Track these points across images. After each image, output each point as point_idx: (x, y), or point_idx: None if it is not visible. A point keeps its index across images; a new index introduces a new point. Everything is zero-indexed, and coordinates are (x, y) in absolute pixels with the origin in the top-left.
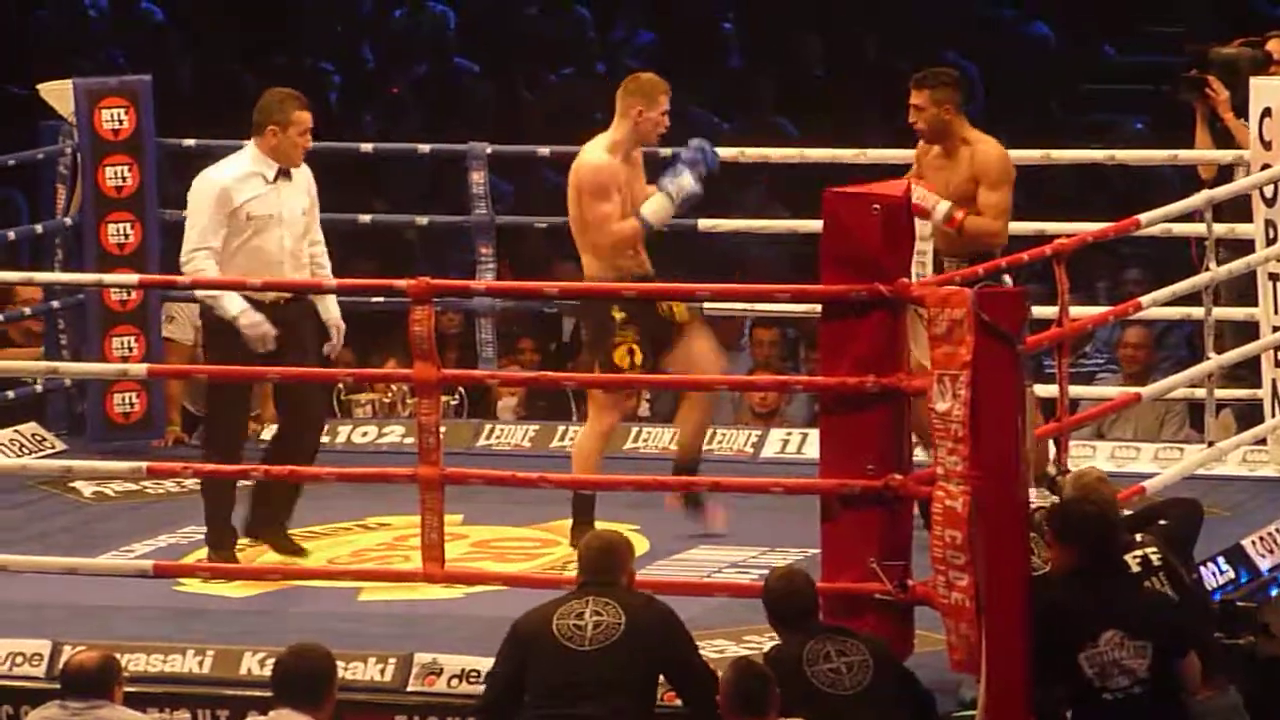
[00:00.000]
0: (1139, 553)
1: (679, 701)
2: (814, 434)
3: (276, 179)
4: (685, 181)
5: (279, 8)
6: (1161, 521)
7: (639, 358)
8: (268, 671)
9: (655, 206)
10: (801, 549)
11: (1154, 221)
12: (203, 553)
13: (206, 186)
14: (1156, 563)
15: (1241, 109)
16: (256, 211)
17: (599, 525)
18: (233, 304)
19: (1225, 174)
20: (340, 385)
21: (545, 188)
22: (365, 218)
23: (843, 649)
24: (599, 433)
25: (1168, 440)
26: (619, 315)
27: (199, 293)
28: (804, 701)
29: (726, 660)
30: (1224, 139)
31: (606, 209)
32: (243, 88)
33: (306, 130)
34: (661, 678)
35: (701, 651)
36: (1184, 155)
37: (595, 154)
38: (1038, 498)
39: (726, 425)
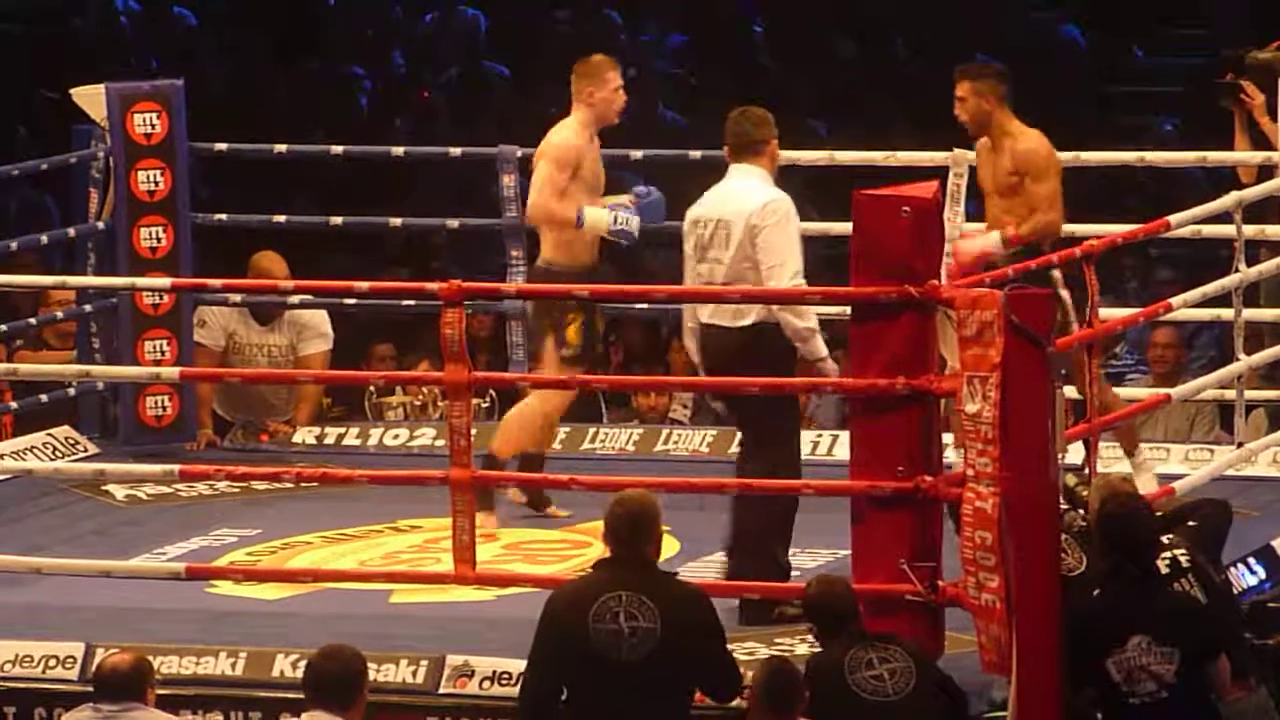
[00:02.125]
0: (1168, 554)
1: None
2: (844, 436)
3: None
4: (634, 224)
5: (310, 12)
6: (1190, 523)
7: (582, 338)
8: (300, 673)
9: (596, 217)
10: (832, 550)
11: (1184, 223)
12: (235, 555)
13: (791, 209)
14: (1185, 564)
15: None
16: None
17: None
18: (822, 346)
19: (1266, 177)
20: (372, 388)
21: None
22: (396, 221)
23: (885, 656)
24: (544, 411)
25: (1198, 441)
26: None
27: (791, 320)
28: (846, 709)
29: (757, 662)
30: (1263, 142)
31: (561, 179)
32: (274, 92)
33: None
34: None
35: (730, 649)
36: (1213, 157)
37: (564, 133)
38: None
39: None
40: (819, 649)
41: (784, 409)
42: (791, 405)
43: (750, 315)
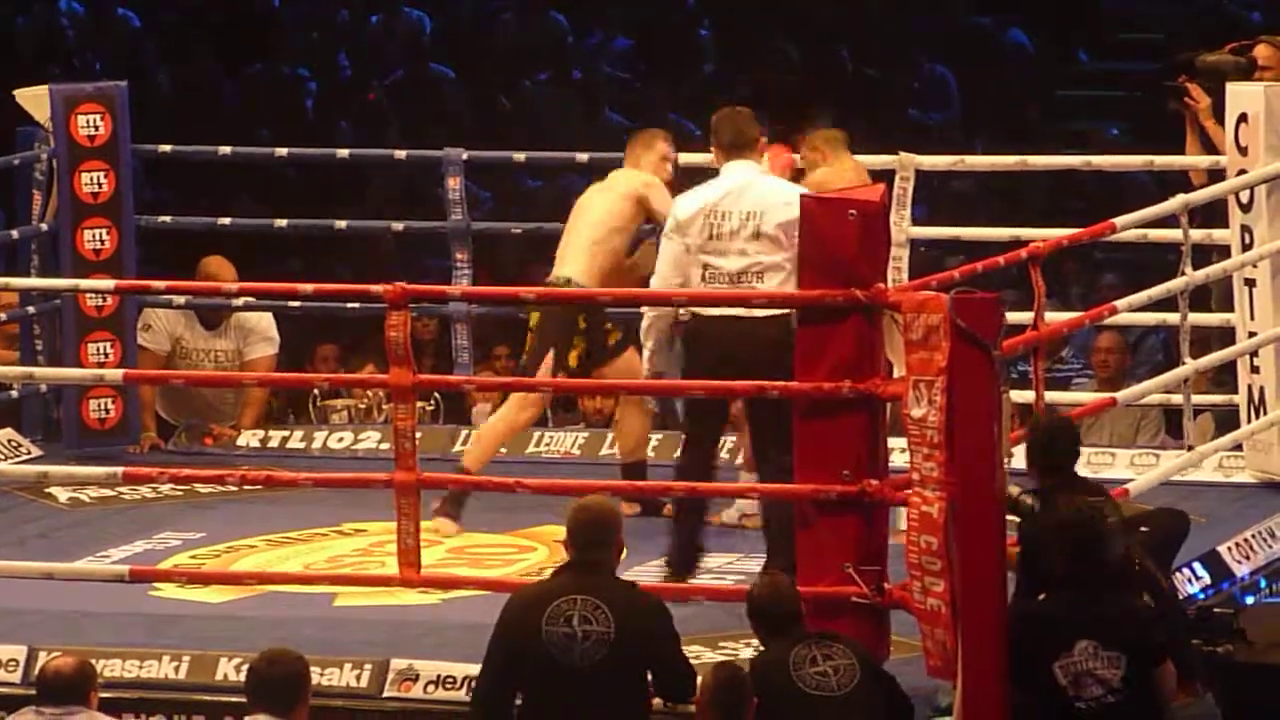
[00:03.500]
0: None
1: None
2: None
3: None
4: None
5: (255, 14)
6: (1143, 529)
7: (580, 365)
8: (243, 677)
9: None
10: None
11: (1129, 226)
12: (179, 558)
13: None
14: (1135, 568)
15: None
16: None
17: None
18: None
19: (1217, 179)
20: (316, 390)
21: (521, 193)
22: (341, 223)
23: (828, 653)
24: (512, 425)
25: (1143, 446)
26: (583, 323)
27: None
28: (792, 706)
29: (703, 666)
30: (1213, 146)
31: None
32: (219, 94)
33: None
34: None
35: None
36: (1160, 161)
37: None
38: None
39: None
40: (763, 649)
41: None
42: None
43: (774, 308)
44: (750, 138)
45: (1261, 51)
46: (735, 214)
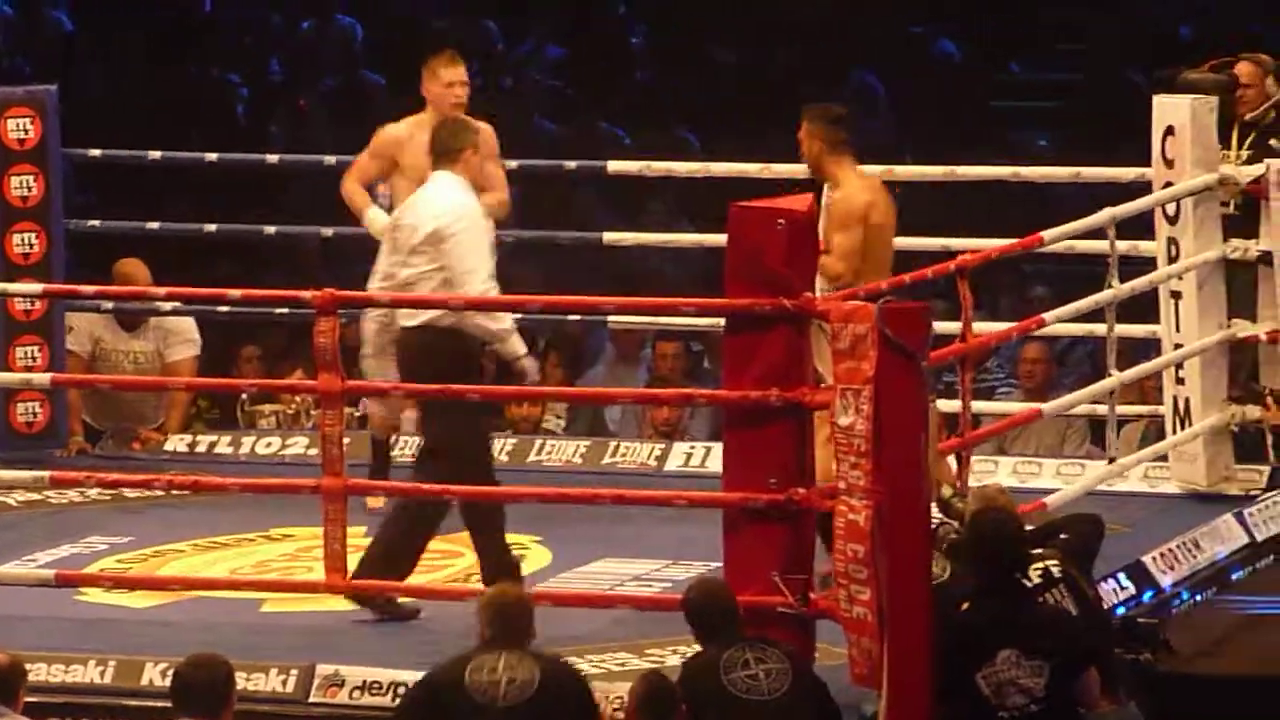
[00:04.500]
0: (1040, 565)
1: None
2: (718, 448)
3: None
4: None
5: (188, 19)
6: (1062, 536)
7: None
8: (169, 682)
9: (373, 218)
10: (705, 562)
11: (1057, 239)
12: (106, 562)
13: (479, 215)
14: (1057, 575)
15: None
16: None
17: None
18: (520, 344)
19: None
20: (244, 396)
21: None
22: (270, 229)
23: (761, 656)
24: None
25: (1069, 456)
26: None
27: (484, 323)
28: (720, 708)
29: (628, 673)
30: None
31: (366, 164)
32: (151, 98)
33: None
34: None
35: (604, 666)
36: (1086, 173)
37: (389, 125)
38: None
39: (631, 439)
40: (698, 650)
41: (464, 420)
42: (474, 419)
43: (422, 315)
44: (449, 148)
45: (1243, 69)
46: (407, 226)
